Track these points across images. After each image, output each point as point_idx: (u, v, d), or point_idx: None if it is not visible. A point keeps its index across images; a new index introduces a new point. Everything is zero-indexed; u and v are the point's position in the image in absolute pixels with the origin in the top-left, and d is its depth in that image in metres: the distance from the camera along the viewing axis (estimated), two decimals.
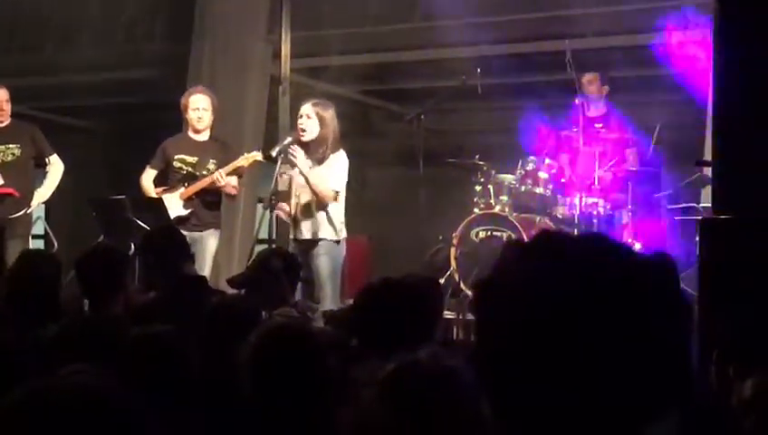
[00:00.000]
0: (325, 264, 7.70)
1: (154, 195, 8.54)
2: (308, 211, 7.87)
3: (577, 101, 8.98)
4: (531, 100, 9.76)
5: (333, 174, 7.82)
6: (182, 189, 8.50)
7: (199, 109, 8.63)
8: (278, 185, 7.97)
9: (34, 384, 1.52)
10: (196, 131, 8.67)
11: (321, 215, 7.82)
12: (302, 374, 3.14)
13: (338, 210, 7.89)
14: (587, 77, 9.31)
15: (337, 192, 7.84)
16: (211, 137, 8.74)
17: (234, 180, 8.49)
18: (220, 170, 8.37)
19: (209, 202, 8.54)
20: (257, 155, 8.45)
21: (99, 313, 4.75)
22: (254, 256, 6.41)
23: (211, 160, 8.56)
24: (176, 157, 8.61)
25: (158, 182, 8.69)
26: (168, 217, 8.16)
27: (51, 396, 1.48)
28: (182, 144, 8.71)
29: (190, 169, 8.56)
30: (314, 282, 7.50)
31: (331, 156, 7.85)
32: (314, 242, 7.78)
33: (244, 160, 8.41)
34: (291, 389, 3.12)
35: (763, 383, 2.83)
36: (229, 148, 8.79)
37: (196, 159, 8.58)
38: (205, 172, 8.51)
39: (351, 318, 4.01)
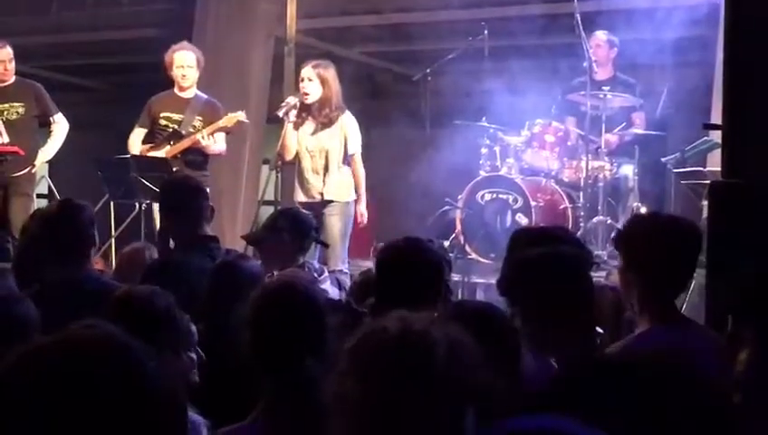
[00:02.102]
0: (335, 224, 7.71)
1: (138, 154, 8.49)
2: (318, 172, 7.86)
3: (585, 63, 8.93)
4: (538, 62, 9.72)
5: (351, 139, 7.85)
6: (168, 148, 8.46)
7: (184, 66, 8.56)
8: (284, 142, 7.95)
9: (54, 337, 1.50)
10: (182, 89, 8.60)
11: (331, 176, 7.82)
12: (299, 334, 3.13)
13: (349, 171, 7.90)
14: (595, 40, 9.25)
15: (353, 154, 7.89)
16: (197, 94, 8.70)
17: (220, 139, 8.44)
18: (203, 131, 8.33)
19: (195, 161, 8.46)
20: (240, 115, 8.38)
21: (73, 270, 4.70)
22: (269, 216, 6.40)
23: (197, 118, 8.51)
24: (161, 114, 8.55)
25: (146, 141, 8.63)
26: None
27: (72, 348, 1.46)
28: (168, 101, 8.64)
29: (176, 127, 8.50)
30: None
31: (340, 119, 7.84)
32: (325, 203, 7.78)
33: (227, 121, 8.36)
34: (287, 348, 3.12)
35: (751, 358, 2.80)
36: (215, 106, 8.75)
37: (181, 116, 8.52)
38: (191, 129, 8.46)
39: (375, 276, 3.99)
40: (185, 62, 8.56)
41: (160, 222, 5.51)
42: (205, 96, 8.74)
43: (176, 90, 8.64)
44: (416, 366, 1.78)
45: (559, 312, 3.08)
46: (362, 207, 8.00)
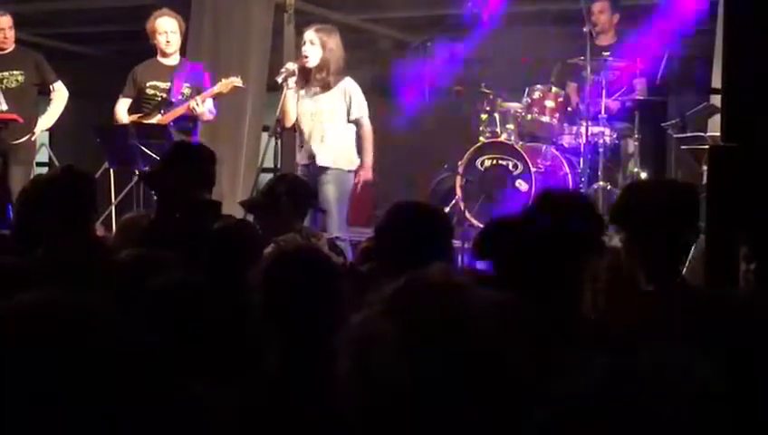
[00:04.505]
0: (330, 191, 7.70)
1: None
2: (315, 137, 7.86)
3: (585, 29, 8.89)
4: (539, 28, 9.70)
5: (355, 103, 7.85)
6: (159, 116, 8.45)
7: (167, 32, 8.55)
8: (284, 109, 7.94)
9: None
10: (165, 55, 8.60)
11: (328, 141, 7.81)
12: (316, 296, 3.13)
13: (350, 138, 7.90)
14: (598, 6, 9.21)
15: (359, 118, 7.90)
16: (182, 60, 8.69)
17: (210, 104, 8.44)
18: (197, 97, 8.32)
19: (186, 128, 8.47)
20: (236, 81, 8.38)
21: (76, 237, 4.69)
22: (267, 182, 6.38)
23: (185, 85, 8.51)
24: (148, 84, 8.54)
25: (132, 111, 8.62)
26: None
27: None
28: (153, 70, 8.63)
29: (164, 96, 8.50)
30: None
31: (341, 84, 7.82)
32: (323, 169, 7.77)
33: (223, 87, 8.35)
34: (302, 312, 3.12)
35: None
36: (200, 71, 8.74)
37: (168, 84, 8.51)
38: (180, 97, 8.45)
39: (376, 240, 3.99)
40: (168, 28, 8.55)
41: (166, 183, 5.45)
42: (189, 61, 8.74)
43: (159, 57, 8.64)
44: (454, 313, 1.80)
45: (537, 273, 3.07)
46: (369, 172, 7.95)
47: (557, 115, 9.06)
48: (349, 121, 7.88)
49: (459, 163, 9.02)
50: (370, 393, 1.81)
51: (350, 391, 1.87)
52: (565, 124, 9.13)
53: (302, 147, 7.96)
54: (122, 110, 8.61)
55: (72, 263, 3.88)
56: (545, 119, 9.05)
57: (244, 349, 3.37)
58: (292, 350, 3.09)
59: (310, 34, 7.86)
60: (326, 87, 7.82)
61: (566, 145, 9.14)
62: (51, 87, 9.20)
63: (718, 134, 5.89)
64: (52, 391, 1.41)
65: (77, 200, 4.77)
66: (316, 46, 7.81)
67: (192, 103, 8.30)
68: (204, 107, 8.33)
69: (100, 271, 3.58)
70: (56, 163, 9.99)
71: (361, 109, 7.90)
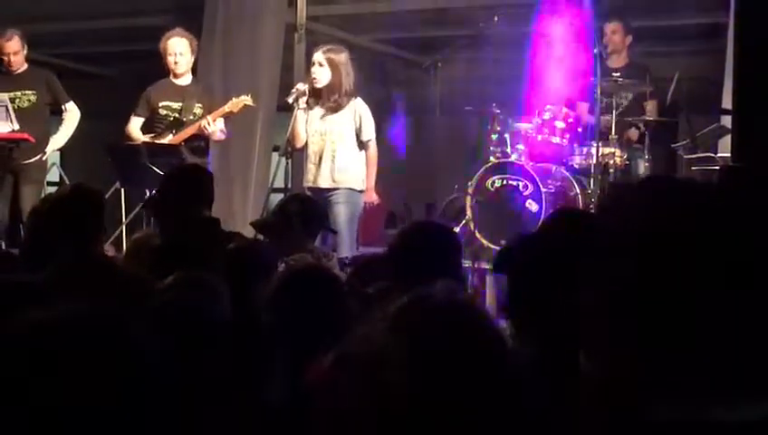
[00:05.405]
0: (342, 211, 7.72)
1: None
2: (326, 157, 7.87)
3: (596, 50, 8.90)
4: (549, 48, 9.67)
5: (365, 125, 7.88)
6: (170, 136, 8.49)
7: (176, 53, 8.59)
8: (294, 129, 7.96)
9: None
10: (176, 75, 8.64)
11: (340, 162, 7.84)
12: (324, 315, 3.13)
13: (360, 158, 7.92)
14: (611, 27, 9.21)
15: (368, 141, 7.93)
16: (193, 80, 8.73)
17: (221, 124, 8.47)
18: (208, 117, 8.35)
19: (197, 147, 8.50)
20: (246, 99, 8.41)
21: (87, 254, 4.70)
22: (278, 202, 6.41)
23: (197, 105, 8.54)
24: (161, 104, 8.58)
25: (144, 131, 8.65)
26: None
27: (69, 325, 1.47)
28: (166, 90, 8.67)
29: (177, 116, 8.53)
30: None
31: (352, 104, 7.84)
32: (333, 190, 7.79)
33: (233, 106, 8.38)
34: (313, 329, 3.12)
35: None
36: (212, 91, 8.76)
37: (180, 104, 8.55)
38: (191, 117, 8.49)
39: (389, 259, 4.00)
40: (177, 49, 8.59)
41: (166, 203, 5.49)
42: (201, 82, 8.76)
43: (171, 77, 8.67)
44: (463, 331, 1.80)
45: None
46: (372, 194, 8.01)
47: (567, 136, 9.05)
48: (359, 142, 7.91)
49: (469, 183, 9.01)
50: (380, 408, 1.81)
51: (359, 406, 1.86)
52: (575, 145, 9.12)
53: (311, 167, 7.97)
54: (135, 128, 8.64)
55: (80, 280, 3.89)
56: (555, 139, 9.04)
57: (250, 368, 3.37)
58: (299, 370, 3.09)
59: (318, 56, 7.90)
60: (337, 108, 7.84)
61: (576, 166, 9.12)
62: (63, 107, 9.24)
63: (728, 155, 5.90)
64: (64, 405, 1.42)
65: (85, 218, 4.79)
66: (325, 67, 7.84)
67: (203, 123, 8.33)
68: (215, 126, 8.35)
69: (108, 289, 3.58)
70: (67, 183, 10.01)
71: (370, 131, 7.93)
